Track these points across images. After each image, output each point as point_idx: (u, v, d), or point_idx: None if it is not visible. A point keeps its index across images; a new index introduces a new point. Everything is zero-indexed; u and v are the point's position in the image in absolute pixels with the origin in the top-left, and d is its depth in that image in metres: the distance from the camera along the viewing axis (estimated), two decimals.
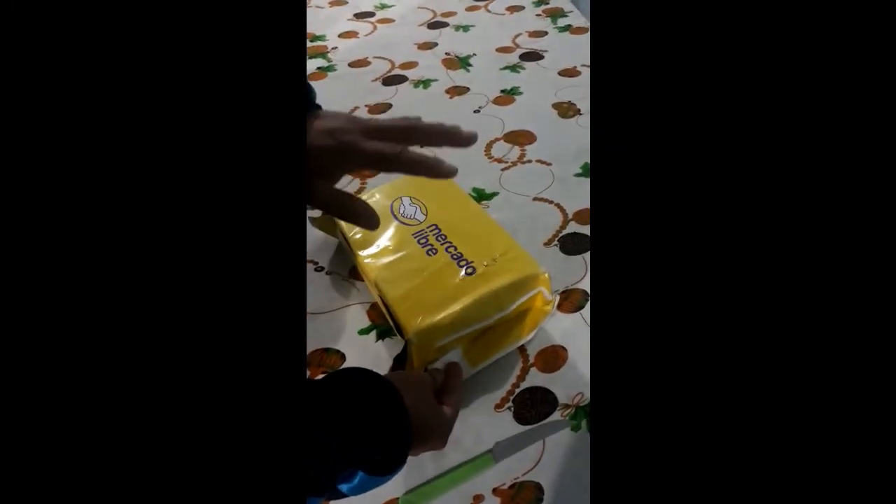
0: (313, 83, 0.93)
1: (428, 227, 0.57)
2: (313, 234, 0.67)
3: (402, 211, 0.60)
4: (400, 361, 0.50)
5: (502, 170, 0.74)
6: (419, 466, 0.47)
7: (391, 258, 0.55)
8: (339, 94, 0.90)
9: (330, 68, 0.97)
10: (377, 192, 0.63)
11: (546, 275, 0.53)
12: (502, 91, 0.88)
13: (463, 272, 0.53)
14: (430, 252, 0.55)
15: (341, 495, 0.36)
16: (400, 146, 0.39)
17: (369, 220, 0.38)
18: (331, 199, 0.39)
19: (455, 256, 0.54)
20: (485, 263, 0.53)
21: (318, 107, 0.43)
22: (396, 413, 0.38)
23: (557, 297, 0.56)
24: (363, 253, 0.57)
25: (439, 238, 0.56)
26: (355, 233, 0.59)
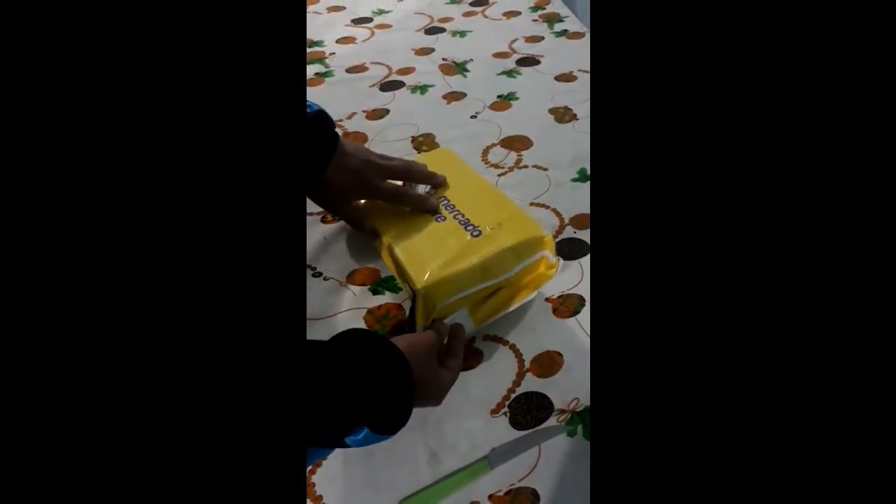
0: (310, 89, 0.93)
1: (437, 200, 0.61)
2: (310, 240, 0.67)
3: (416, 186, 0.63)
4: (409, 314, 0.53)
5: (499, 175, 0.74)
6: (415, 473, 0.47)
7: (403, 224, 0.59)
8: (336, 99, 0.90)
9: (327, 74, 0.97)
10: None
11: (550, 236, 0.56)
12: (499, 96, 0.88)
13: (469, 235, 0.55)
14: (438, 219, 0.58)
15: (346, 446, 0.40)
16: (402, 188, 0.61)
17: (367, 231, 0.61)
18: (349, 215, 0.63)
19: (462, 222, 0.57)
20: (490, 227, 0.56)
21: (337, 135, 0.58)
22: (402, 379, 0.42)
23: (561, 261, 0.58)
24: (378, 223, 0.60)
25: (448, 207, 0.59)
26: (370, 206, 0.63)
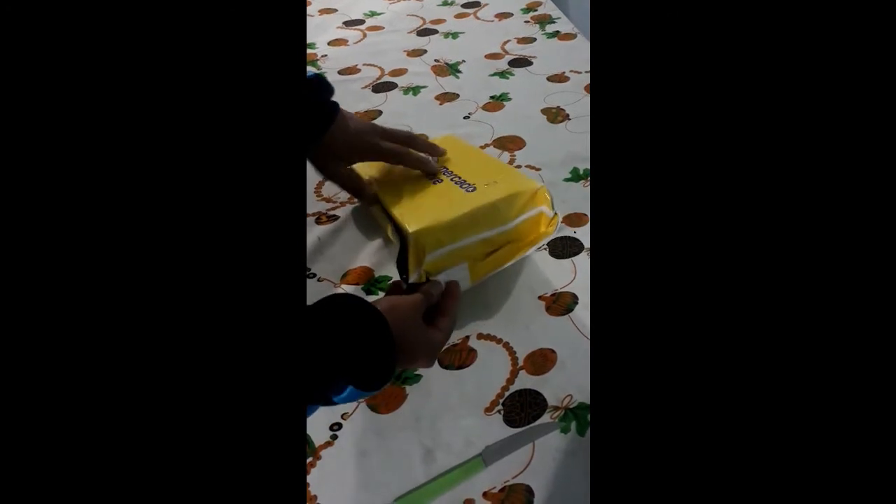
0: None
1: (437, 167, 0.62)
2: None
3: None
4: (401, 264, 0.53)
5: None
6: (410, 472, 0.47)
7: (399, 185, 0.60)
8: None
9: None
10: None
11: (543, 188, 0.58)
12: (491, 97, 0.89)
13: (464, 192, 0.57)
14: (435, 182, 0.60)
15: (332, 404, 0.41)
16: (405, 148, 0.61)
17: (368, 197, 0.62)
18: (347, 179, 0.62)
19: (457, 181, 0.59)
20: (485, 184, 0.57)
21: (336, 104, 0.59)
22: (381, 335, 0.42)
23: (560, 217, 0.59)
24: (375, 185, 0.63)
25: (445, 172, 0.61)
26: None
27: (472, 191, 0.57)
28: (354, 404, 0.52)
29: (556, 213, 0.59)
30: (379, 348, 0.42)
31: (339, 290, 0.62)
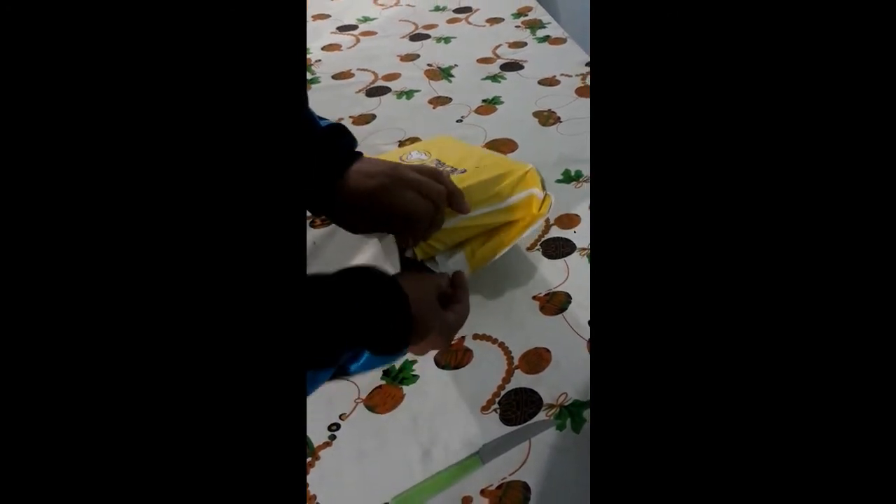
0: None
1: (430, 161, 0.65)
2: None
3: (409, 157, 0.66)
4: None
5: None
6: (408, 470, 0.48)
7: None
8: (323, 105, 0.90)
9: (314, 80, 0.98)
10: (391, 154, 0.71)
11: (534, 170, 0.61)
12: (484, 101, 0.89)
13: (457, 174, 0.60)
14: None
15: (349, 374, 0.41)
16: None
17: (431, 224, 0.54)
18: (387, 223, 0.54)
19: (450, 170, 0.62)
20: (476, 166, 0.61)
21: (359, 154, 0.54)
22: (398, 302, 0.42)
23: (552, 197, 0.61)
24: None
25: (438, 164, 0.63)
26: None
27: (464, 173, 0.60)
28: (353, 404, 0.52)
29: (546, 194, 0.61)
30: (395, 312, 0.41)
31: None
